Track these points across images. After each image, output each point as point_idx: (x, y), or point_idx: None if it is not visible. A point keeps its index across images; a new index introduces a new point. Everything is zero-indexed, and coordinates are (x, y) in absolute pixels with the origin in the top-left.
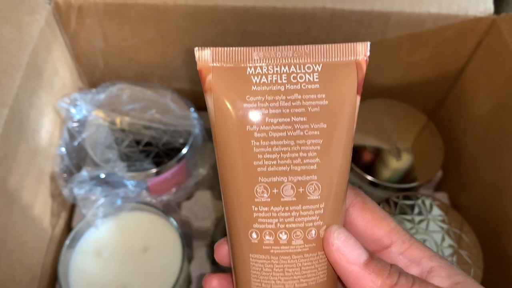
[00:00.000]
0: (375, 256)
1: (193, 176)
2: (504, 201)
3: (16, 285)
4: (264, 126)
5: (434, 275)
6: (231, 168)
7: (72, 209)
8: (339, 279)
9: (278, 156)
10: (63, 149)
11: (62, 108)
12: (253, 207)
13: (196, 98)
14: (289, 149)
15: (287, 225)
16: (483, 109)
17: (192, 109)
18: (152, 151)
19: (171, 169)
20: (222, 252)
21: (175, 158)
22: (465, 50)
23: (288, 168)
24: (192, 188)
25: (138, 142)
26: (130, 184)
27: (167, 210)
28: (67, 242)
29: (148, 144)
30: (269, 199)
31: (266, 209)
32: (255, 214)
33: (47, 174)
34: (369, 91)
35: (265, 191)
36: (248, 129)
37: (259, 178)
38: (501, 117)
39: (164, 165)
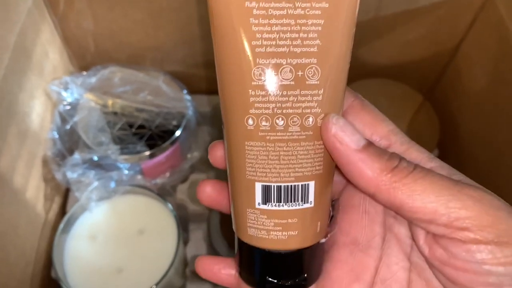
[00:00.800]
0: (374, 144)
1: (187, 159)
2: (500, 177)
3: (10, 269)
4: (264, 3)
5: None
6: (228, 49)
7: (66, 193)
8: (337, 171)
9: (277, 36)
10: (55, 133)
11: (53, 91)
12: (250, 91)
13: (188, 80)
14: (289, 28)
15: (284, 110)
16: (479, 86)
17: (185, 91)
18: (145, 133)
19: (165, 151)
20: (216, 154)
21: (169, 141)
22: (460, 27)
23: (287, 50)
24: (187, 171)
25: (130, 125)
26: (124, 167)
27: (162, 193)
28: (61, 226)
29: (141, 126)
30: (267, 83)
31: (263, 93)
32: (251, 99)
33: (39, 158)
34: (364, 71)
35: (262, 73)
36: (247, 5)
37: (257, 59)
38: (496, 93)
39: (157, 148)
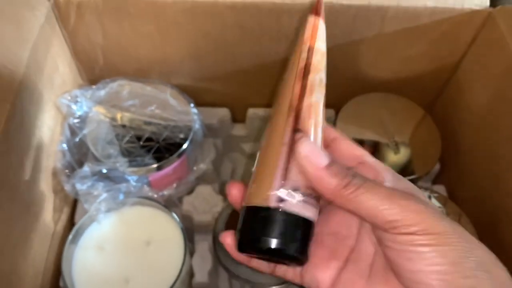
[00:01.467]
0: (336, 162)
1: (193, 171)
2: (501, 192)
3: (20, 280)
4: None
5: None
6: None
7: (74, 204)
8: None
9: None
10: (65, 145)
11: (63, 105)
12: None
13: (195, 93)
14: None
15: None
16: (480, 101)
17: (192, 105)
18: (153, 146)
19: (172, 164)
20: (232, 192)
21: (176, 153)
22: (461, 43)
23: None
24: (193, 183)
25: (139, 138)
26: (132, 179)
27: (169, 204)
28: (70, 237)
29: (148, 139)
30: None
31: None
32: None
33: (49, 170)
34: (367, 85)
35: None
36: None
37: None
38: (497, 109)
39: (165, 160)
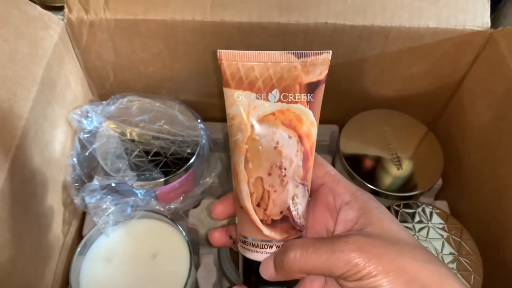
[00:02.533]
0: (278, 269)
1: (200, 184)
2: (503, 209)
3: None
4: None
5: (348, 207)
6: None
7: (82, 217)
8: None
9: None
10: (75, 159)
11: (74, 120)
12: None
13: (202, 109)
14: None
15: None
16: (482, 120)
17: (199, 120)
18: (161, 161)
19: (179, 178)
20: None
21: (183, 168)
22: (463, 62)
23: None
24: (199, 197)
25: (147, 152)
26: (140, 192)
27: (175, 217)
28: (78, 249)
29: (156, 154)
30: None
31: None
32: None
33: (59, 183)
34: (370, 102)
35: None
36: None
37: None
38: (499, 128)
39: (172, 174)
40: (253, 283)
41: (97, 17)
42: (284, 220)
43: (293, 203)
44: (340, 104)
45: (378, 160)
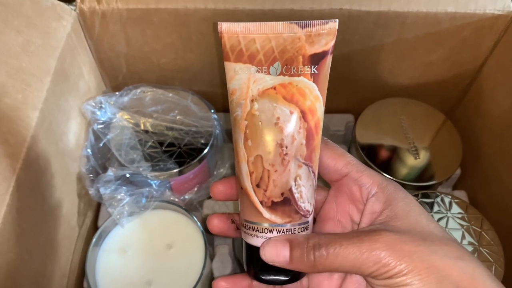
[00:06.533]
0: (295, 243)
1: (214, 175)
2: None
3: (47, 281)
4: None
5: (374, 199)
6: None
7: (98, 208)
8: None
9: None
10: (89, 150)
11: (87, 111)
12: None
13: (215, 99)
14: None
15: None
16: (502, 107)
17: (212, 111)
18: (175, 151)
19: (193, 168)
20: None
21: (197, 158)
22: (483, 48)
23: None
24: None
25: (161, 143)
26: (154, 183)
27: (189, 208)
28: (93, 240)
29: (170, 144)
30: None
31: None
32: None
33: (74, 174)
34: (387, 90)
35: None
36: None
37: None
38: None
39: (186, 165)
40: (252, 271)
41: (109, 7)
42: (286, 203)
43: (295, 185)
44: (355, 93)
45: (395, 150)
